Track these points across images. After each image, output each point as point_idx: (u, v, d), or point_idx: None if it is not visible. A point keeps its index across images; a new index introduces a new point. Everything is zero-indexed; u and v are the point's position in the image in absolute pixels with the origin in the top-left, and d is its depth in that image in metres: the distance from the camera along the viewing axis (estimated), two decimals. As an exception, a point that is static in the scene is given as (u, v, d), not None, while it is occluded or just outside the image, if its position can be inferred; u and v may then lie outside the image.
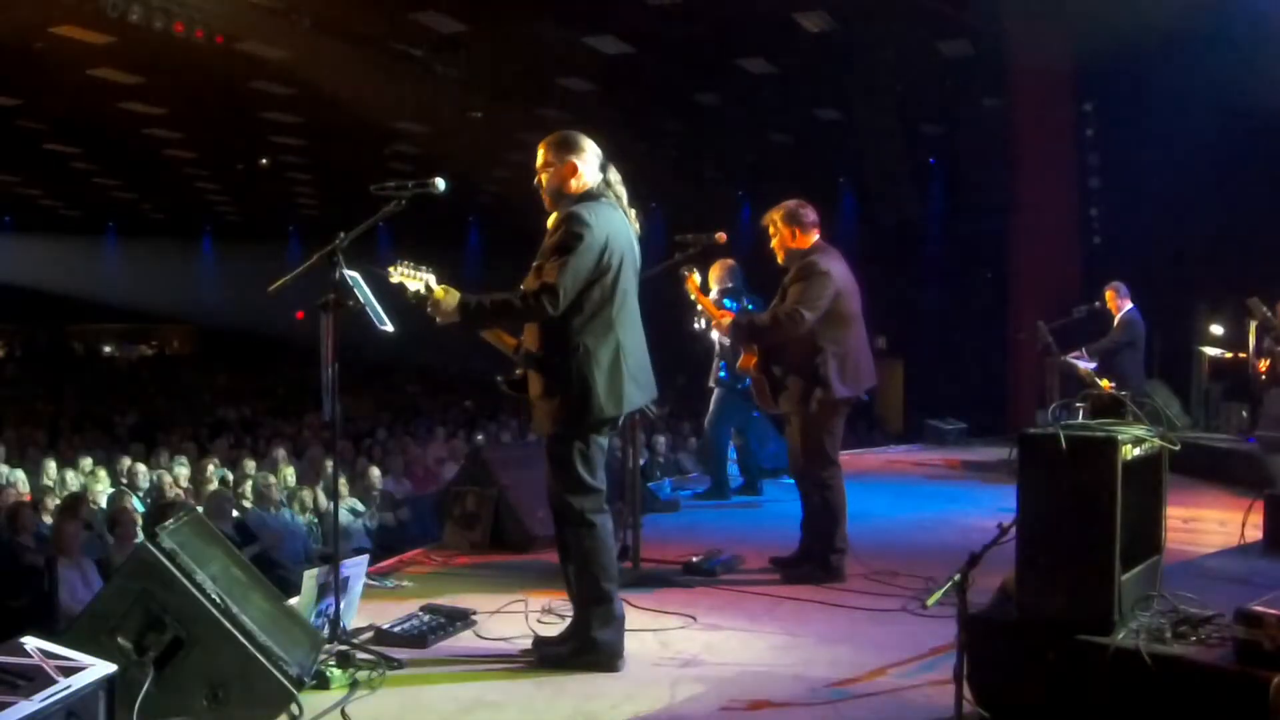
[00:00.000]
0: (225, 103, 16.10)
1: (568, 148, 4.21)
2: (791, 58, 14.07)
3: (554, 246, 4.05)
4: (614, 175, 4.29)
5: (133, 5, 10.56)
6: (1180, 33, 10.95)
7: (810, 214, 5.67)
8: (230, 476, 10.79)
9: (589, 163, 4.21)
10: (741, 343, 5.76)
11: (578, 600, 4.16)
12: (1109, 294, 10.06)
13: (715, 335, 6.32)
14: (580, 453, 4.12)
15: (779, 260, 5.69)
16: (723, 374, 7.81)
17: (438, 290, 4.08)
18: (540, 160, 4.24)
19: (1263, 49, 10.33)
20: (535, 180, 4.26)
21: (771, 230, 5.67)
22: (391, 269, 4.12)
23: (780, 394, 5.62)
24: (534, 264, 4.14)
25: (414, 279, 4.11)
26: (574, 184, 4.18)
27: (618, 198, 4.26)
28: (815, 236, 5.65)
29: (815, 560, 5.54)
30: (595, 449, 4.17)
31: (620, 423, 4.34)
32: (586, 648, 4.10)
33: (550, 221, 4.20)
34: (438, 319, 4.12)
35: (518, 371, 4.29)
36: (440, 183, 4.21)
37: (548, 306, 3.97)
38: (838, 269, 5.57)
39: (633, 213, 4.31)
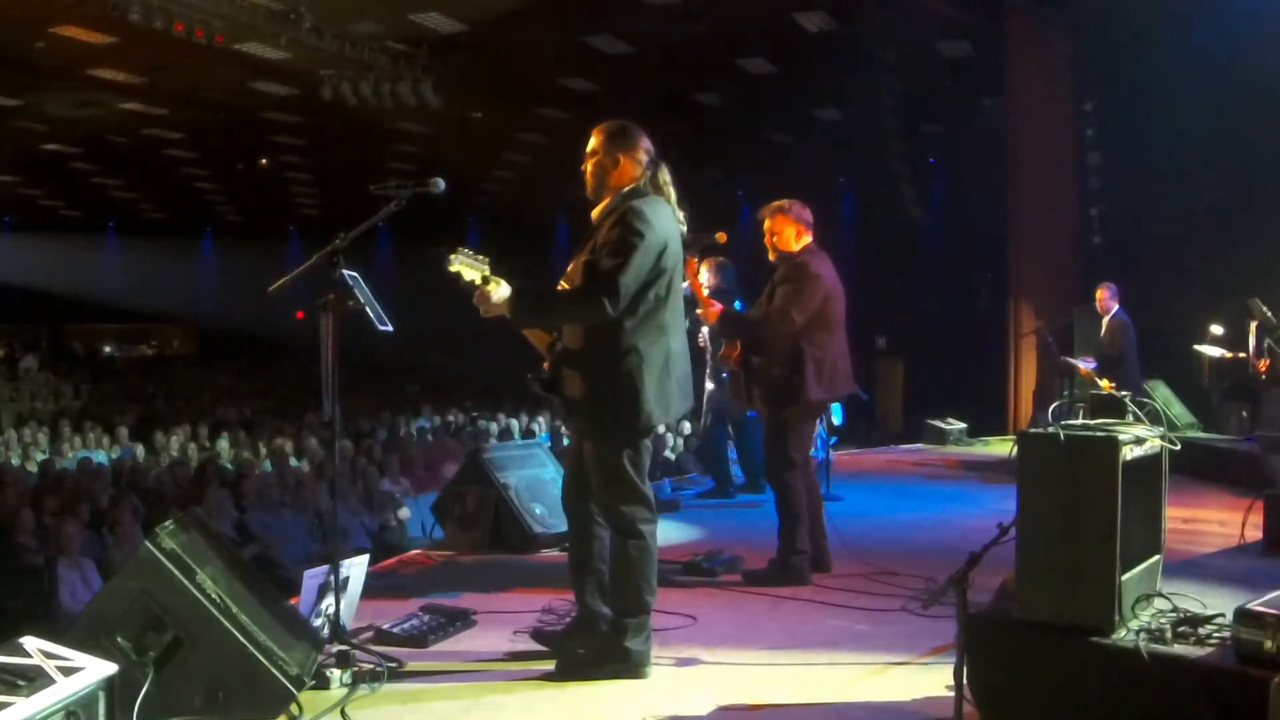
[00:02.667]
0: (225, 102, 16.10)
1: (621, 143, 4.10)
2: (791, 58, 14.08)
3: (614, 244, 3.92)
4: (665, 175, 4.17)
5: (133, 5, 10.57)
6: (1180, 32, 10.96)
7: (809, 214, 5.66)
8: (231, 474, 10.79)
9: (640, 160, 4.10)
10: (727, 337, 5.78)
11: (616, 609, 4.07)
12: (1100, 293, 10.07)
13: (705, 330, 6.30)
14: (630, 459, 4.01)
15: (770, 257, 5.68)
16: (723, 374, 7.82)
17: (491, 282, 3.95)
18: (591, 146, 4.13)
19: (1263, 49, 10.33)
20: (582, 166, 4.16)
21: (769, 226, 5.63)
22: (453, 256, 3.97)
23: (756, 391, 5.62)
24: (583, 259, 4.03)
25: (471, 269, 3.96)
26: (614, 177, 4.09)
27: (667, 198, 4.15)
28: (809, 238, 5.65)
29: (777, 562, 5.52)
30: (644, 452, 4.07)
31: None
32: (616, 657, 4.02)
33: (595, 212, 4.11)
34: (483, 311, 3.97)
35: (547, 369, 4.18)
36: (440, 183, 4.16)
37: (608, 306, 3.85)
38: (827, 273, 5.56)
39: (681, 214, 4.21)
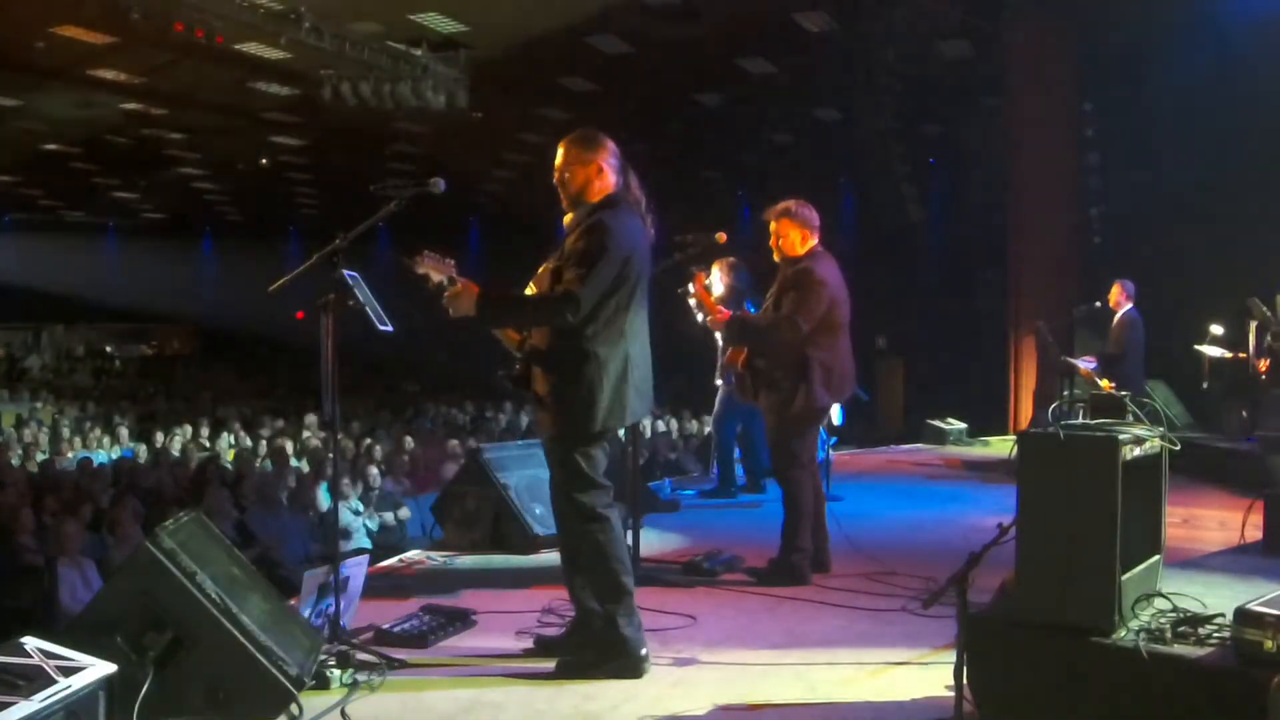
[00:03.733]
0: (225, 103, 16.10)
1: (591, 147, 4.14)
2: (791, 58, 14.08)
3: (579, 254, 3.99)
4: (633, 179, 4.21)
5: (133, 5, 10.57)
6: (1180, 33, 10.96)
7: (815, 217, 5.63)
8: (231, 474, 10.80)
9: (612, 165, 4.14)
10: (735, 343, 5.78)
11: (600, 599, 4.11)
12: (1116, 287, 9.99)
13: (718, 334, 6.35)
14: (583, 455, 4.08)
15: (775, 258, 5.67)
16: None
17: (457, 284, 4.03)
18: (561, 159, 4.16)
19: (1263, 49, 10.33)
20: (555, 179, 4.19)
21: (774, 229, 5.60)
22: (418, 258, 4.05)
23: (761, 392, 5.62)
24: (552, 266, 4.09)
25: (439, 270, 4.04)
26: (597, 186, 4.12)
27: (636, 203, 4.19)
28: (815, 240, 5.63)
29: (778, 559, 5.52)
30: (599, 450, 4.14)
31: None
32: (614, 650, 4.04)
33: (568, 219, 4.16)
34: (452, 312, 4.06)
35: (518, 367, 4.25)
36: (440, 183, 4.19)
37: (568, 314, 3.94)
38: (832, 277, 5.54)
39: (648, 218, 4.24)
